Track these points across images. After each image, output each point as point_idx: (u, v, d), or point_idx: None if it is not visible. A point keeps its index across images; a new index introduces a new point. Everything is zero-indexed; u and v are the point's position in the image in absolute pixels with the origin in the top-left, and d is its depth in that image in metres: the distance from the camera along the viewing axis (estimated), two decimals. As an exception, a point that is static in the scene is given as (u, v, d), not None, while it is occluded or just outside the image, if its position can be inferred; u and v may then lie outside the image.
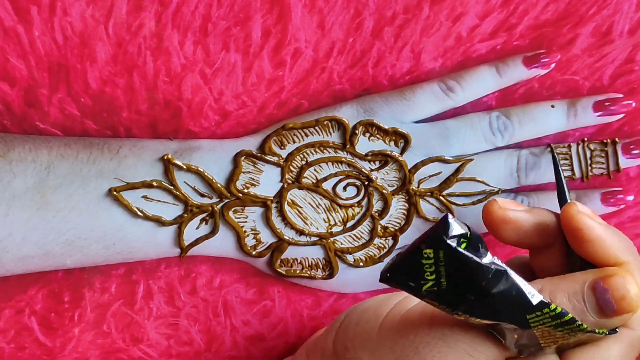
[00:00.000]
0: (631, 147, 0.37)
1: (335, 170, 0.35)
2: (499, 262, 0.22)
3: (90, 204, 0.31)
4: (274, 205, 0.34)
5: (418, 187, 0.35)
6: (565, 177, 0.37)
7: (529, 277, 0.24)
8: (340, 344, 0.28)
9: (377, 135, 0.34)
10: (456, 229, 0.22)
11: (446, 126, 0.35)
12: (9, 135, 0.32)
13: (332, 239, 0.35)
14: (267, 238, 0.35)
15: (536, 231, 0.26)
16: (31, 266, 0.32)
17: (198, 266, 0.36)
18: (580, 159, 0.37)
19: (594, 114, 0.36)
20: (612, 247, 0.24)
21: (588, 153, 0.37)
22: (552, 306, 0.22)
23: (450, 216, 0.22)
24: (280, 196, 0.34)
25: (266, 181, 0.34)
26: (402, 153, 0.35)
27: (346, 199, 0.35)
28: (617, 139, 0.37)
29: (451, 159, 0.35)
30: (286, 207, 0.34)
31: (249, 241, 0.34)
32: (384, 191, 0.35)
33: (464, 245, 0.22)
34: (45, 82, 0.32)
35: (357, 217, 0.35)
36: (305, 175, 0.34)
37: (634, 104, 0.36)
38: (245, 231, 0.34)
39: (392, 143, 0.35)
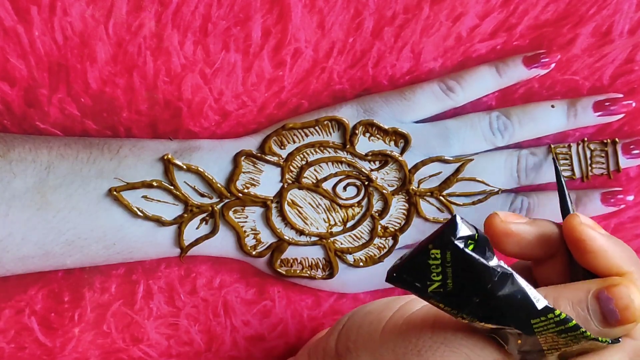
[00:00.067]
0: (631, 147, 0.37)
1: (335, 170, 0.35)
2: (505, 266, 0.22)
3: (90, 204, 0.31)
4: (274, 205, 0.34)
5: (418, 187, 0.35)
6: (565, 177, 0.37)
7: (532, 285, 0.24)
8: (342, 346, 0.28)
9: (377, 135, 0.34)
10: (464, 230, 0.22)
11: (446, 126, 0.35)
12: (9, 135, 0.32)
13: (332, 239, 0.35)
14: (267, 238, 0.35)
15: (539, 243, 0.26)
16: (31, 266, 0.31)
17: (198, 266, 0.36)
18: (580, 159, 0.37)
19: (594, 114, 0.36)
20: (615, 258, 0.24)
21: (588, 153, 0.37)
22: (557, 312, 0.22)
23: (458, 217, 0.22)
24: (280, 196, 0.34)
25: (266, 181, 0.34)
26: (402, 153, 0.35)
27: (346, 199, 0.35)
28: (617, 139, 0.37)
29: (451, 159, 0.35)
30: (286, 207, 0.34)
31: (249, 241, 0.34)
32: (384, 191, 0.35)
33: (471, 247, 0.22)
34: (45, 82, 0.32)
35: (357, 217, 0.35)
36: (305, 175, 0.34)
37: (634, 104, 0.36)
38: (245, 231, 0.34)
39: (392, 143, 0.35)
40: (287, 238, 0.34)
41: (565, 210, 0.30)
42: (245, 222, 0.34)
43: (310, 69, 0.35)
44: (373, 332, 0.26)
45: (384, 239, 0.36)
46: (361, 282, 0.37)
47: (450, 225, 0.22)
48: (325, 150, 0.34)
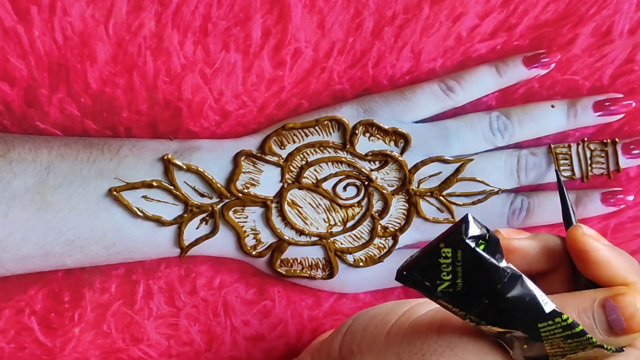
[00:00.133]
0: (631, 147, 0.37)
1: (335, 170, 0.34)
2: (514, 268, 0.22)
3: (90, 204, 0.31)
4: (274, 205, 0.34)
5: (418, 187, 0.35)
6: (565, 177, 0.37)
7: None
8: (346, 348, 0.28)
9: (377, 135, 0.34)
10: (475, 229, 0.22)
11: (446, 126, 0.35)
12: (9, 135, 0.32)
13: (332, 239, 0.35)
14: (267, 238, 0.35)
15: (542, 256, 0.27)
16: (31, 266, 0.31)
17: (198, 266, 0.36)
18: (580, 159, 0.37)
19: (594, 114, 0.36)
20: (618, 268, 0.24)
21: (588, 153, 0.37)
22: (564, 316, 0.22)
23: (470, 216, 0.22)
24: (280, 196, 0.34)
25: (266, 181, 0.34)
26: (402, 153, 0.35)
27: (346, 199, 0.35)
28: (617, 139, 0.37)
29: (451, 159, 0.35)
30: (286, 207, 0.34)
31: (249, 241, 0.34)
32: (384, 191, 0.35)
33: (482, 247, 0.22)
34: (45, 82, 0.32)
35: (357, 217, 0.35)
36: (305, 175, 0.34)
37: (634, 104, 0.36)
38: (245, 231, 0.34)
39: (392, 143, 0.35)
40: (287, 238, 0.34)
41: (568, 222, 0.30)
42: (245, 222, 0.34)
43: (310, 69, 0.35)
44: (378, 335, 0.26)
45: (384, 239, 0.36)
46: (361, 282, 0.37)
47: (462, 224, 0.22)
48: (325, 150, 0.34)
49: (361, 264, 0.36)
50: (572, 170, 0.37)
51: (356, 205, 0.35)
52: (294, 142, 0.34)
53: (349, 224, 0.35)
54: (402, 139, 0.34)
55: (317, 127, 0.34)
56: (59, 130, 0.33)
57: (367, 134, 0.34)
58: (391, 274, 0.37)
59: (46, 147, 0.31)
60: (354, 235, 0.35)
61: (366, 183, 0.35)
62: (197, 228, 0.33)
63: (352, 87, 0.35)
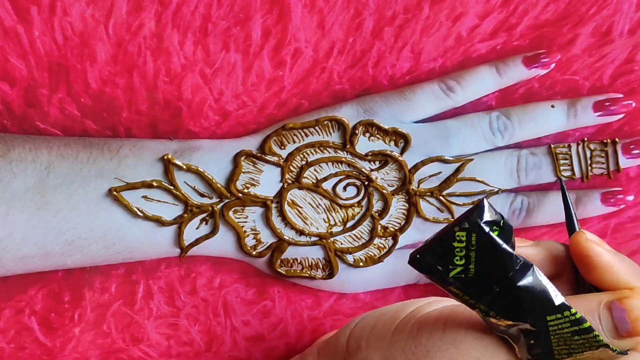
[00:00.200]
0: (631, 147, 0.37)
1: (335, 170, 0.34)
2: (526, 258, 0.22)
3: (90, 204, 0.31)
4: (274, 205, 0.34)
5: (418, 187, 0.35)
6: (565, 177, 0.37)
7: None
8: (353, 343, 0.28)
9: (377, 135, 0.34)
10: (491, 214, 0.22)
11: (446, 126, 0.35)
12: (9, 135, 0.32)
13: (332, 239, 0.35)
14: (267, 238, 0.35)
15: (546, 263, 0.27)
16: (31, 266, 0.31)
17: (198, 266, 0.36)
18: (580, 159, 0.37)
19: (594, 114, 0.36)
20: (621, 273, 0.25)
21: (588, 153, 0.37)
22: (573, 310, 0.22)
23: (486, 201, 0.22)
24: (280, 196, 0.34)
25: (266, 181, 0.34)
26: (402, 153, 0.35)
27: (346, 199, 0.35)
28: (617, 139, 0.37)
29: (451, 159, 0.35)
30: (286, 207, 0.34)
31: (249, 241, 0.34)
32: (384, 191, 0.35)
33: (496, 232, 0.22)
34: (45, 82, 0.32)
35: (357, 217, 0.35)
36: (305, 175, 0.34)
37: (634, 104, 0.36)
38: (245, 231, 0.34)
39: (392, 143, 0.35)
40: (287, 238, 0.34)
41: (571, 228, 0.30)
42: (245, 222, 0.34)
43: (310, 69, 0.35)
44: (385, 331, 0.26)
45: (384, 239, 0.36)
46: (361, 282, 0.37)
47: (478, 208, 0.22)
48: (325, 150, 0.34)
49: (361, 264, 0.36)
50: (572, 170, 0.37)
51: (356, 205, 0.35)
52: (294, 142, 0.34)
53: (349, 224, 0.35)
54: (402, 139, 0.34)
55: (317, 127, 0.34)
56: (59, 130, 0.33)
57: (367, 134, 0.34)
58: (391, 274, 0.37)
59: (46, 147, 0.31)
60: (354, 235, 0.35)
61: (366, 183, 0.35)
62: (197, 228, 0.33)
63: (352, 87, 0.35)
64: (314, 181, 0.34)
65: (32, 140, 0.31)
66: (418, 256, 0.22)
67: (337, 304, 0.37)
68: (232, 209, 0.34)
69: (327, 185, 0.35)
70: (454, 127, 0.35)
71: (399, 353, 0.25)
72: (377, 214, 0.35)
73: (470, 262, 0.22)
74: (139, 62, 0.32)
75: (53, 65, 0.32)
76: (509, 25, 0.36)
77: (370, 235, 0.35)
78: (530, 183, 0.37)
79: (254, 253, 0.35)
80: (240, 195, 0.33)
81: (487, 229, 0.22)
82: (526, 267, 0.22)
